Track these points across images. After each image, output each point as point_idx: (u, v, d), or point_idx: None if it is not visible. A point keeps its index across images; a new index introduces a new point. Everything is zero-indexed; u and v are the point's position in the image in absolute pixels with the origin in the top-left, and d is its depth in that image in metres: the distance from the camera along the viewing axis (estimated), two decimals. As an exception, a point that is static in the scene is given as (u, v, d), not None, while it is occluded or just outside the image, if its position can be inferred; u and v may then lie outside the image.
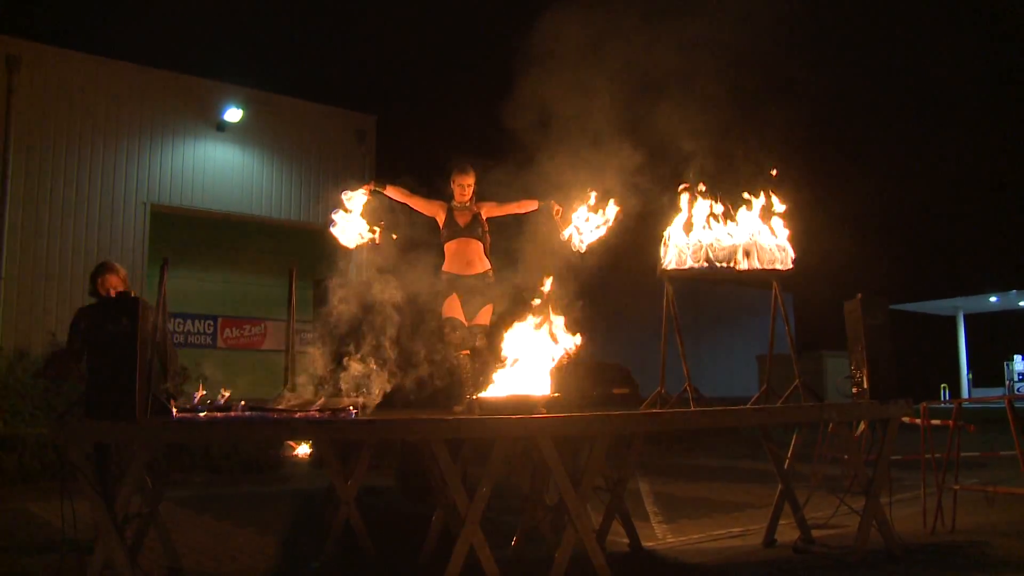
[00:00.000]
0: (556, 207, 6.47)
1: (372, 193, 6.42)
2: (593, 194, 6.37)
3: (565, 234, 6.38)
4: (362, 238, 6.36)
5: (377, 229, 6.36)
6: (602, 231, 6.39)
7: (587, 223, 6.38)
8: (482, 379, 5.83)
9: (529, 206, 6.66)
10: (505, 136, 6.64)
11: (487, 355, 6.26)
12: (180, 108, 15.48)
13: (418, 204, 6.61)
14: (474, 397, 5.50)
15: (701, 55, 6.95)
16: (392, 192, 6.49)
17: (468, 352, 6.30)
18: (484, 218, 6.59)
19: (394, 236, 6.48)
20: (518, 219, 6.70)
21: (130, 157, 14.87)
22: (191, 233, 16.30)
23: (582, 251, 6.37)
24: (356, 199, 6.36)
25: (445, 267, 6.57)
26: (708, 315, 25.85)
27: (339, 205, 6.35)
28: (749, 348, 27.47)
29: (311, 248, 16.12)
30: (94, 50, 15.01)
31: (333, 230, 6.35)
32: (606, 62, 6.74)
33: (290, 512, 8.34)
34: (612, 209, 6.37)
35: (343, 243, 6.37)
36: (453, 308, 6.41)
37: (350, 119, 16.82)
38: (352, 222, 6.35)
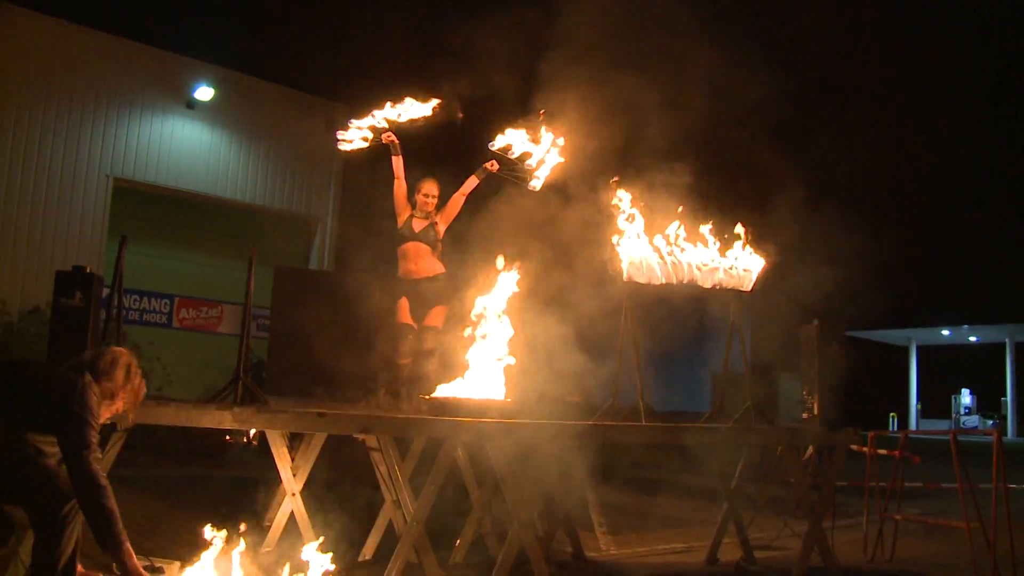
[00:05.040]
0: (489, 166, 6.59)
1: (386, 142, 6.54)
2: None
3: (533, 184, 6.46)
4: (373, 132, 6.51)
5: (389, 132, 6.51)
6: (552, 161, 6.46)
7: (533, 159, 6.44)
8: (434, 379, 5.81)
9: (470, 184, 6.77)
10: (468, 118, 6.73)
11: (439, 356, 6.28)
12: (150, 82, 15.18)
13: (399, 190, 6.70)
14: (426, 397, 5.45)
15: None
16: (396, 161, 6.62)
17: (409, 360, 6.36)
18: (440, 227, 6.65)
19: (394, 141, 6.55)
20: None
21: (95, 128, 14.54)
22: (153, 209, 16.02)
23: (536, 189, 6.46)
24: (362, 133, 6.51)
25: (399, 271, 6.64)
26: (666, 329, 25.94)
27: (353, 126, 6.53)
28: (705, 365, 27.63)
29: (273, 233, 16.04)
30: (64, 15, 14.59)
31: (341, 144, 6.53)
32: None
33: (234, 498, 8.21)
34: (548, 138, 6.43)
35: (351, 147, 6.53)
36: (403, 313, 6.47)
37: (321, 106, 16.62)
38: (359, 133, 6.54)
